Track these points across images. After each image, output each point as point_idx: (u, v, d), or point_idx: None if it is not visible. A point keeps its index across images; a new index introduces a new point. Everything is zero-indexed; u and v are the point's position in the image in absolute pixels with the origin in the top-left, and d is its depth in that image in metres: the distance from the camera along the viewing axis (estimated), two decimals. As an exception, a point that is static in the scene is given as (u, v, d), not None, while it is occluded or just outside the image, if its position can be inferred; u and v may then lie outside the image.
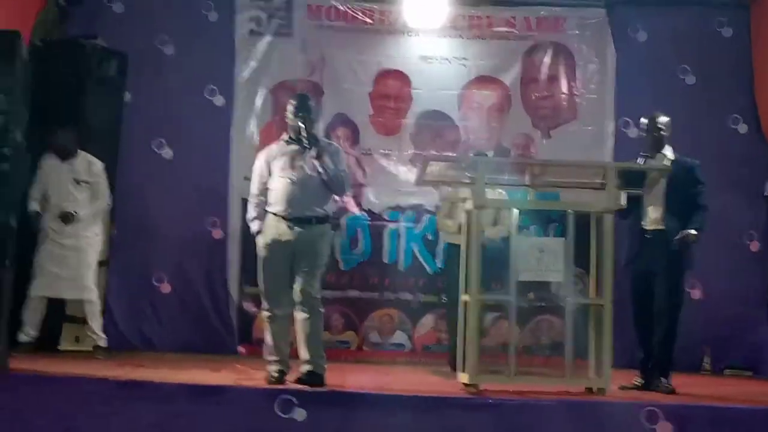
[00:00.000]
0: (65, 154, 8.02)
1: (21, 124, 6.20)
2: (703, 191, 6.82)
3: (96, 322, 8.06)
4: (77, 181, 8.02)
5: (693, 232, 6.59)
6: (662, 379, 6.61)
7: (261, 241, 6.35)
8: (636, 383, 6.73)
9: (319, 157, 6.23)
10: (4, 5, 7.56)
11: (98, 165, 8.19)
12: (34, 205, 7.90)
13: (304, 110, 6.37)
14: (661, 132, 6.91)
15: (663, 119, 6.94)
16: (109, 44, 9.11)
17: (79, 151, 8.10)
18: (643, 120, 7.04)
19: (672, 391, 6.47)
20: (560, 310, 6.50)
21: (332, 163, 6.31)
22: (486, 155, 8.86)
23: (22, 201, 7.31)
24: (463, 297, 6.25)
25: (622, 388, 6.53)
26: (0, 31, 6.16)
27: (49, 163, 8.00)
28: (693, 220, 6.67)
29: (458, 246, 8.37)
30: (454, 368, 6.86)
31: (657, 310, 6.68)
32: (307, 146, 6.27)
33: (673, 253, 6.61)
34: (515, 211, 6.33)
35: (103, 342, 8.07)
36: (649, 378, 6.73)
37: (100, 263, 8.55)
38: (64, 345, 8.39)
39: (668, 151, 6.92)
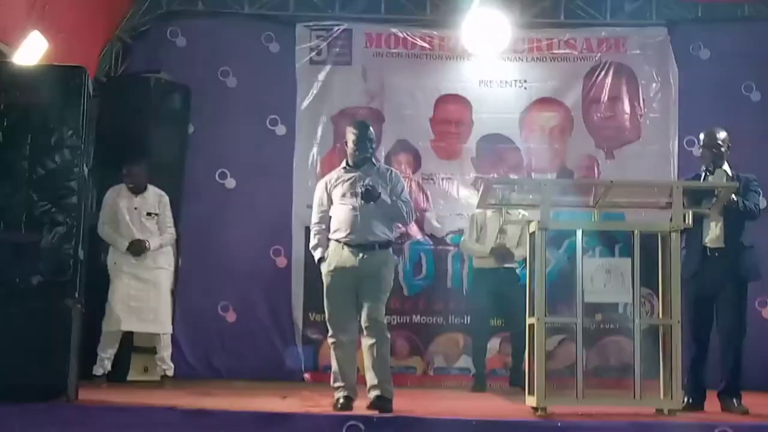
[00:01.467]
0: (137, 189, 8.13)
1: (87, 159, 6.29)
2: (758, 200, 6.66)
3: (166, 352, 8.15)
4: (149, 214, 8.13)
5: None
6: (734, 401, 6.46)
7: (324, 269, 6.36)
8: (685, 403, 6.48)
9: (372, 195, 6.23)
10: (69, 42, 7.72)
11: (165, 198, 8.30)
12: (106, 229, 8.04)
13: (363, 139, 6.38)
14: (720, 148, 6.76)
15: (722, 134, 6.77)
16: (173, 78, 9.26)
17: (147, 184, 8.22)
18: (701, 136, 6.90)
19: (746, 412, 6.33)
20: (628, 331, 6.40)
21: (393, 192, 6.32)
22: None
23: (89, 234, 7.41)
24: (529, 320, 6.19)
25: (671, 411, 6.24)
26: (66, 67, 6.27)
27: (123, 197, 8.11)
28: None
29: (486, 270, 8.44)
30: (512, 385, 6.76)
31: (723, 331, 6.54)
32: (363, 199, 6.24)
33: (735, 270, 6.49)
34: (580, 232, 6.27)
35: (171, 371, 8.15)
36: (700, 398, 6.57)
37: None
38: (133, 375, 8.50)
39: (727, 167, 6.76)
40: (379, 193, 6.18)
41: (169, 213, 8.28)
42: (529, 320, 6.21)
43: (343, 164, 6.49)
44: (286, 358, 9.34)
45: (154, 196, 8.22)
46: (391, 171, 6.58)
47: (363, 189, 6.18)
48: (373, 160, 6.52)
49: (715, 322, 6.60)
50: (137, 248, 7.95)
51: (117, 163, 8.31)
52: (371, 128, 6.53)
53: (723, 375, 6.57)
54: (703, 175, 6.72)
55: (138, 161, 8.21)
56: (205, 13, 9.87)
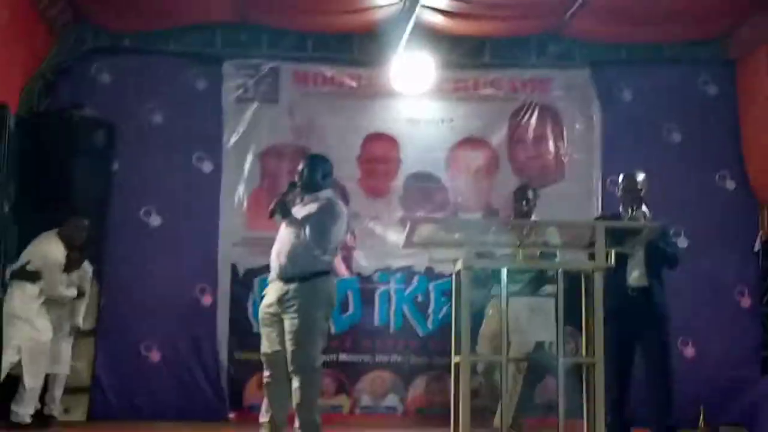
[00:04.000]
0: (71, 263, 8.10)
1: (9, 196, 6.19)
2: (676, 251, 6.83)
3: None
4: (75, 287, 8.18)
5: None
6: None
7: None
8: None
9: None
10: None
11: (90, 272, 8.41)
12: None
13: (305, 165, 6.56)
14: (639, 191, 6.89)
15: (640, 177, 6.93)
16: (97, 115, 9.15)
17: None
18: (620, 179, 7.03)
19: None
20: (553, 370, 6.43)
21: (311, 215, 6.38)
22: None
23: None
24: (455, 359, 6.19)
25: None
26: (-14, 103, 6.18)
27: (54, 252, 8.04)
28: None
29: None
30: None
31: (650, 369, 6.61)
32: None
33: (659, 308, 6.58)
34: (504, 271, 6.29)
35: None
36: None
37: (89, 332, 8.54)
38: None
39: (645, 209, 6.88)
40: (288, 210, 6.29)
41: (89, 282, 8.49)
42: (454, 359, 6.21)
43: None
44: (211, 398, 9.21)
45: (84, 274, 8.38)
46: (328, 200, 6.56)
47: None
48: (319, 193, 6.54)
49: (640, 360, 6.68)
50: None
51: (40, 200, 8.20)
52: (322, 160, 6.71)
53: (654, 413, 6.63)
54: (625, 216, 6.84)
55: (57, 201, 8.25)
56: (131, 49, 9.78)
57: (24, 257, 7.89)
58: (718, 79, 9.89)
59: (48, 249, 8.01)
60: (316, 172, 6.54)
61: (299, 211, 6.41)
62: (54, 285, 7.95)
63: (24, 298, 7.78)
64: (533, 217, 7.16)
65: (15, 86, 8.62)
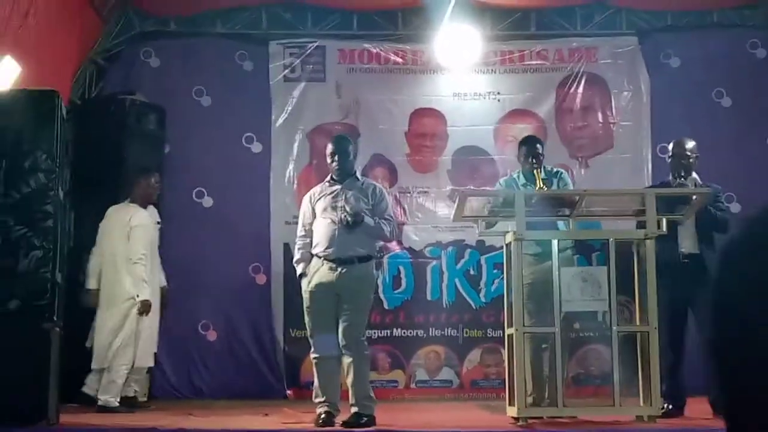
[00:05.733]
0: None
1: (63, 182, 6.30)
2: (727, 216, 6.76)
3: None
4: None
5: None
6: None
7: (305, 285, 6.37)
8: (665, 409, 6.40)
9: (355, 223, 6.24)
10: (41, 65, 7.71)
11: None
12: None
13: (340, 152, 6.42)
14: (689, 158, 6.84)
15: (690, 144, 6.86)
16: (147, 99, 9.27)
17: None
18: (671, 146, 6.98)
19: None
20: (607, 339, 6.44)
21: (376, 210, 6.35)
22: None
23: (69, 258, 7.37)
24: (508, 330, 6.23)
25: (651, 417, 6.09)
26: (39, 91, 6.28)
27: (140, 218, 7.97)
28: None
29: None
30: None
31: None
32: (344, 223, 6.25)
33: (711, 277, 6.55)
34: (556, 242, 6.31)
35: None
36: (679, 404, 6.60)
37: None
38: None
39: (696, 176, 6.84)
40: (362, 218, 6.21)
41: None
42: (508, 330, 6.25)
43: (328, 178, 6.54)
44: (268, 376, 9.33)
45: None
46: (375, 187, 6.59)
47: (344, 216, 6.19)
48: (357, 175, 6.56)
49: (695, 328, 6.65)
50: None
51: (94, 185, 8.32)
52: (350, 142, 6.58)
53: (709, 380, 6.60)
54: (674, 183, 6.81)
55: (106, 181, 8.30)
56: (178, 33, 9.88)
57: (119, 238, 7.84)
58: (766, 42, 9.78)
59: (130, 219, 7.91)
60: (350, 155, 6.54)
61: (342, 198, 6.38)
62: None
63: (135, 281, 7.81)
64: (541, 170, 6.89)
65: (67, 73, 8.75)
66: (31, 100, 6.18)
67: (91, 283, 7.81)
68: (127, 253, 7.72)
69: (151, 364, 8.18)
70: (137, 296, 7.64)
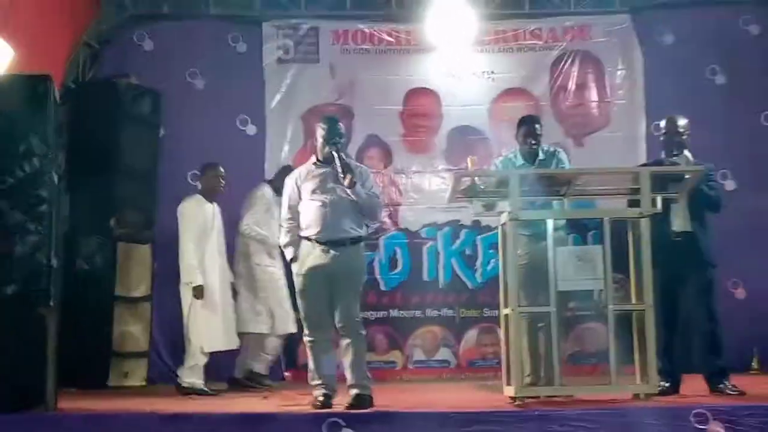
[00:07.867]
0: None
1: (57, 166, 6.28)
2: (719, 195, 6.77)
3: None
4: None
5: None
6: (725, 383, 6.49)
7: (296, 269, 6.35)
8: (661, 387, 6.35)
9: (352, 185, 6.19)
10: (34, 49, 7.69)
11: None
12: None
13: (333, 134, 6.38)
14: (682, 135, 6.82)
15: (682, 121, 6.82)
16: (141, 82, 9.25)
17: None
18: (663, 123, 6.96)
19: (742, 393, 6.35)
20: (603, 318, 6.44)
21: (362, 187, 6.30)
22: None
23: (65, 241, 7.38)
24: (504, 311, 6.24)
25: (647, 395, 6.07)
26: (31, 75, 6.25)
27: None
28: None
29: None
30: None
31: (698, 314, 6.60)
32: (341, 173, 6.20)
33: (704, 253, 6.57)
34: (550, 221, 6.32)
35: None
36: (675, 382, 6.62)
37: (145, 298, 8.68)
38: (113, 381, 8.48)
39: (688, 153, 6.82)
40: (353, 176, 6.18)
41: None
42: (503, 310, 6.27)
43: (313, 159, 6.47)
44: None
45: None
46: (360, 167, 6.56)
47: (351, 177, 6.16)
48: (343, 155, 6.52)
49: (686, 306, 6.67)
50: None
51: (89, 169, 8.31)
52: (340, 123, 6.53)
53: (703, 357, 6.63)
54: (667, 161, 6.80)
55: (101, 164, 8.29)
56: (170, 15, 9.86)
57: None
58: (760, 18, 9.78)
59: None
60: (341, 137, 6.51)
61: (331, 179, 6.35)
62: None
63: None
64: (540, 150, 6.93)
65: (60, 56, 8.74)
66: (23, 85, 6.14)
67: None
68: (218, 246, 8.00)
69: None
70: (191, 282, 7.74)
